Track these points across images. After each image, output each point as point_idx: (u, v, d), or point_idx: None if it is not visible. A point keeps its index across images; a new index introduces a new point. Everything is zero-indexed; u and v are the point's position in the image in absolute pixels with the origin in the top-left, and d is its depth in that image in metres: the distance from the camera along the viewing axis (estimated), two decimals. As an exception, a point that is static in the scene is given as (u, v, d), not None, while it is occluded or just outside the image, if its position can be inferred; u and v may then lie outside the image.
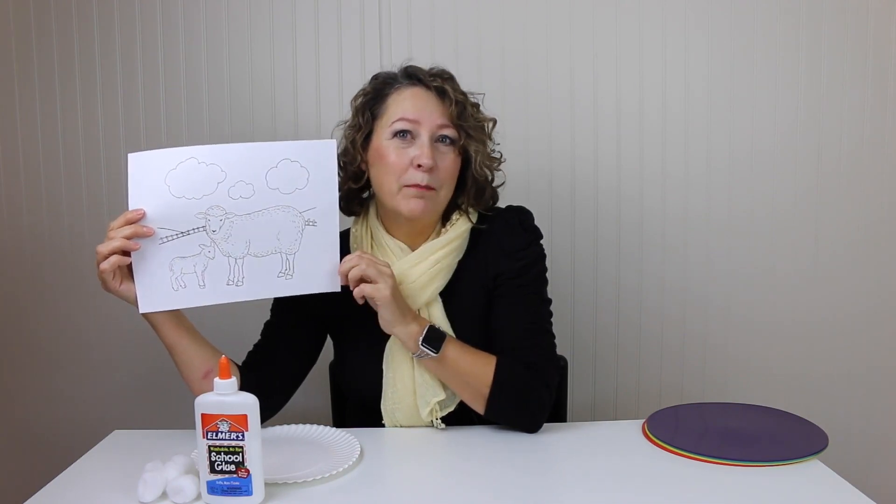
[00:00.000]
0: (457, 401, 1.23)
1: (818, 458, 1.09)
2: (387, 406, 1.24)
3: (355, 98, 1.29)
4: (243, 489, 0.96)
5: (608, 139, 1.80)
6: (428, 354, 1.16)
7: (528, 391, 1.19)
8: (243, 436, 0.95)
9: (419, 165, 1.18)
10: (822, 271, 1.83)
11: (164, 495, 0.99)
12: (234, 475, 0.96)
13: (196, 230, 1.09)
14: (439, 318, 1.23)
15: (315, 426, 1.22)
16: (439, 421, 1.22)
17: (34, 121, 1.80)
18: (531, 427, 1.21)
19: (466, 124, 1.22)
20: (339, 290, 1.14)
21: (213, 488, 0.96)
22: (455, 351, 1.18)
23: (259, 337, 1.33)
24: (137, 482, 0.99)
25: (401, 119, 1.20)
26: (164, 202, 1.08)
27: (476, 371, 1.18)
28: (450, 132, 1.22)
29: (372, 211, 1.29)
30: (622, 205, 1.81)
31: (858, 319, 1.84)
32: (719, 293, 1.84)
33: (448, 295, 1.25)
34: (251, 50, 1.78)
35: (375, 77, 1.29)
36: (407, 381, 1.23)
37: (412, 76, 1.24)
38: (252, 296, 1.13)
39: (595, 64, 1.78)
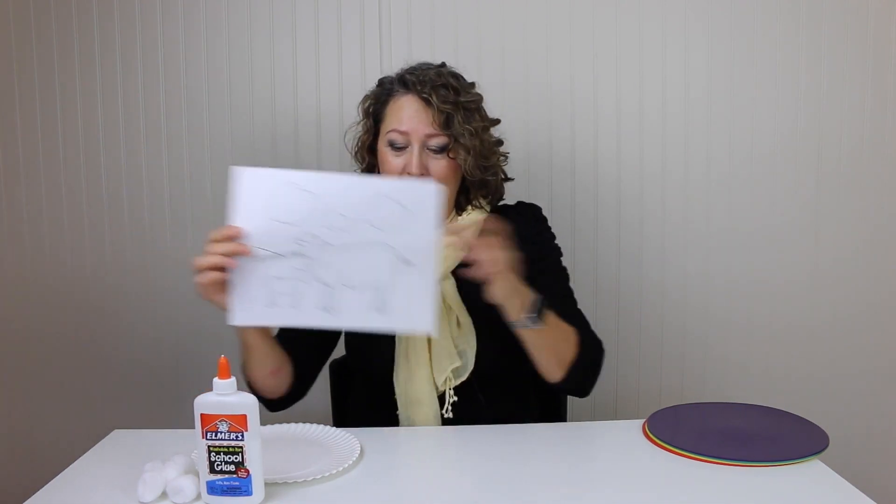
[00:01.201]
0: (469, 370, 1.27)
1: (818, 458, 1.09)
2: (399, 377, 1.28)
3: (363, 101, 1.35)
4: (243, 489, 0.96)
5: (608, 140, 1.80)
6: (528, 326, 1.16)
7: (597, 358, 1.29)
8: (243, 436, 0.95)
9: (410, 173, 1.25)
10: (822, 271, 1.83)
11: (163, 495, 0.99)
12: (234, 475, 0.96)
13: (293, 254, 1.08)
14: (452, 294, 1.29)
15: (315, 426, 1.22)
16: (452, 392, 1.27)
17: (34, 121, 1.80)
18: (587, 391, 1.29)
19: (454, 132, 1.25)
20: (434, 333, 1.13)
21: (212, 488, 0.96)
22: (551, 319, 1.19)
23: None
24: (137, 482, 0.99)
25: (392, 131, 1.27)
26: (264, 222, 1.07)
27: (565, 338, 1.23)
28: (438, 141, 1.26)
29: None
30: (622, 205, 1.81)
31: (859, 319, 1.84)
32: (719, 293, 1.84)
33: (460, 276, 1.29)
34: (251, 50, 1.78)
35: (380, 83, 1.35)
36: (420, 351, 1.28)
37: (404, 84, 1.28)
38: (344, 325, 1.11)
39: (595, 64, 1.78)
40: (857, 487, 1.00)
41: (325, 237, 1.08)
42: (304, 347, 1.32)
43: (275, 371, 1.26)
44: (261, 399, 1.31)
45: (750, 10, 1.76)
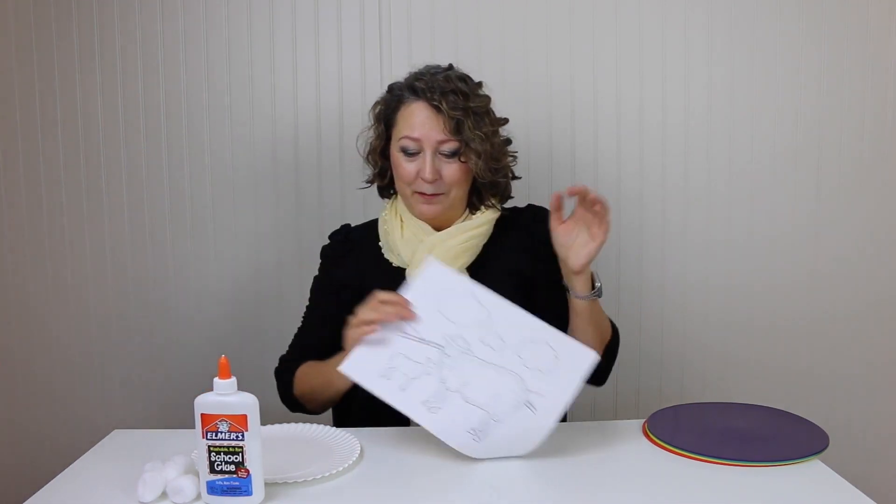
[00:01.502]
0: None
1: (818, 458, 1.09)
2: None
3: (374, 107, 1.37)
4: (243, 489, 0.96)
5: (608, 140, 1.80)
6: (597, 296, 1.27)
7: (617, 343, 1.38)
8: (243, 436, 0.95)
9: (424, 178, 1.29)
10: (822, 271, 1.83)
11: (163, 495, 0.99)
12: (234, 475, 0.96)
13: (433, 344, 1.10)
14: None
15: (315, 426, 1.21)
16: None
17: (34, 121, 1.80)
18: (606, 378, 1.37)
19: (465, 137, 1.27)
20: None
21: (212, 488, 0.96)
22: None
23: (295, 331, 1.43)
24: (137, 482, 0.99)
25: (405, 137, 1.30)
26: (427, 309, 1.12)
27: (605, 317, 1.33)
28: (449, 146, 1.29)
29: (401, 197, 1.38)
30: (622, 205, 1.81)
31: (859, 319, 1.84)
32: (719, 293, 1.84)
33: (475, 272, 1.32)
34: (251, 50, 1.78)
35: (390, 89, 1.36)
36: None
37: (415, 91, 1.30)
38: (435, 430, 1.09)
39: (595, 64, 1.78)
40: (857, 487, 1.00)
41: (472, 346, 1.11)
42: (329, 342, 1.32)
43: (337, 401, 1.32)
44: (293, 406, 1.37)
45: (750, 13, 1.76)
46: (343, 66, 1.78)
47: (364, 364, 1.10)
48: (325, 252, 1.45)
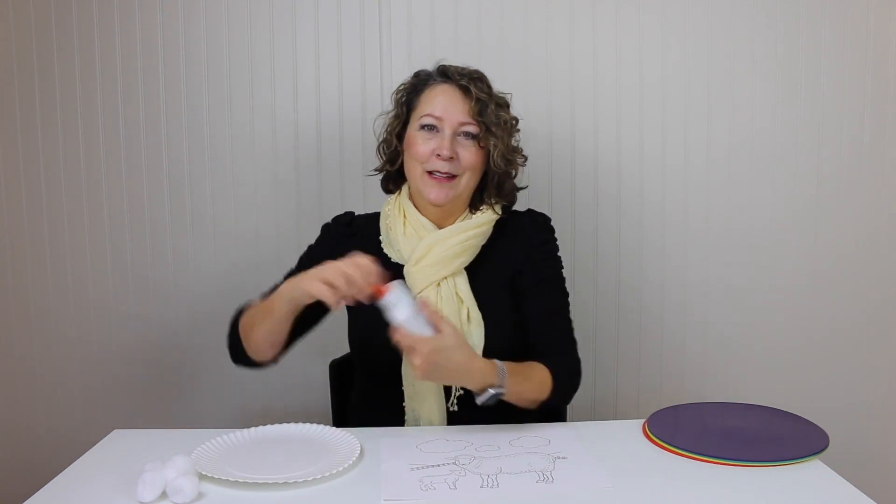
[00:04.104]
0: None
1: (818, 458, 1.09)
2: (407, 371, 1.30)
3: (396, 91, 1.40)
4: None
5: (608, 137, 1.80)
6: (491, 402, 1.20)
7: (573, 381, 1.33)
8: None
9: (439, 155, 1.30)
10: (822, 271, 1.83)
11: (163, 495, 0.99)
12: None
13: (446, 464, 1.10)
14: (464, 289, 1.32)
15: (315, 426, 1.22)
16: (458, 386, 1.29)
17: (34, 121, 1.80)
18: (565, 405, 1.40)
19: (487, 121, 1.31)
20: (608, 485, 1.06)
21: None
22: (513, 381, 1.22)
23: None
24: (137, 482, 0.99)
25: (427, 115, 1.32)
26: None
27: (536, 387, 1.26)
28: (470, 128, 1.32)
29: (405, 191, 1.40)
30: (623, 205, 1.81)
31: (859, 319, 1.84)
32: (720, 294, 1.84)
33: (473, 272, 1.35)
34: (251, 50, 1.78)
35: (416, 74, 1.39)
36: None
37: (444, 74, 1.35)
38: (511, 498, 1.07)
39: (595, 63, 1.78)
40: (857, 487, 1.00)
41: (480, 454, 1.13)
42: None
43: (276, 344, 1.28)
44: (235, 353, 1.32)
45: (750, 9, 1.76)
46: (343, 66, 1.78)
47: (399, 486, 1.05)
48: (328, 228, 1.44)
